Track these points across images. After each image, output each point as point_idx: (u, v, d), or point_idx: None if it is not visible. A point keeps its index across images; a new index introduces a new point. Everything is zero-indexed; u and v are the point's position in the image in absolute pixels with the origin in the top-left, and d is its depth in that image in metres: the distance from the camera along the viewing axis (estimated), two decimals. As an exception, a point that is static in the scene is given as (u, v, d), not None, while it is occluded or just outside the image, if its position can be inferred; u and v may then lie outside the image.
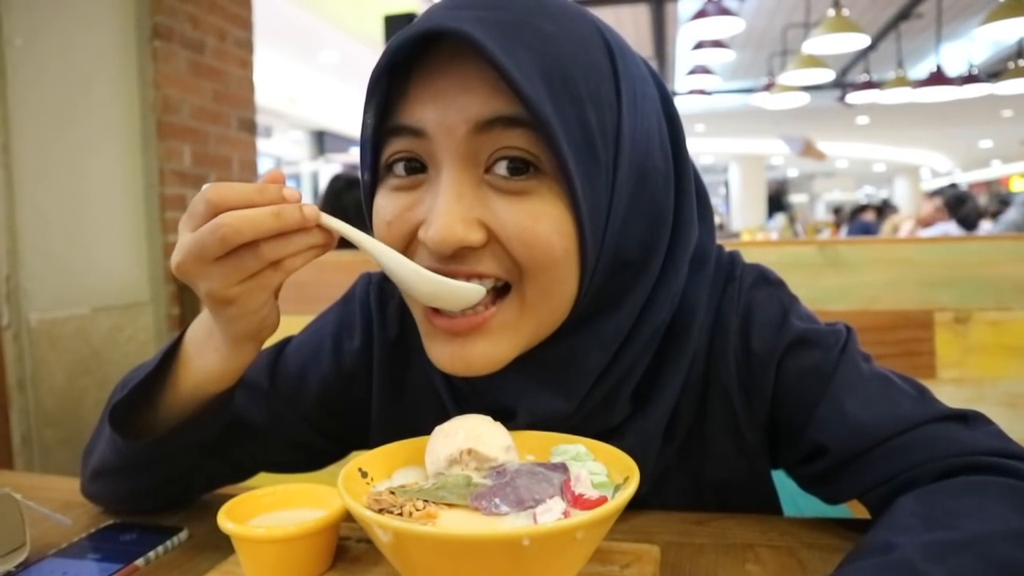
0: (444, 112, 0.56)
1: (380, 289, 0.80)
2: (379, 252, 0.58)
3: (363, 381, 0.79)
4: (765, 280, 0.72)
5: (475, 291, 0.58)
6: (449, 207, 0.56)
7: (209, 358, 0.64)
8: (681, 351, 0.67)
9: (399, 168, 0.60)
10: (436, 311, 0.60)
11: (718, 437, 0.71)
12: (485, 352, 0.60)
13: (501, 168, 0.56)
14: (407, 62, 0.58)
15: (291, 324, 0.95)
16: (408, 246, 0.60)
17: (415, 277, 0.57)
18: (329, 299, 0.85)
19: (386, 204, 0.61)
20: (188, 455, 0.70)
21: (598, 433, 0.62)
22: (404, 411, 0.77)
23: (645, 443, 0.67)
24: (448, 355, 0.61)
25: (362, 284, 0.82)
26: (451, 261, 0.58)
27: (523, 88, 0.53)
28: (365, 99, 0.60)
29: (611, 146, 0.58)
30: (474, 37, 0.53)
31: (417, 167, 0.60)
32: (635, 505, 0.60)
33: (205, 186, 0.55)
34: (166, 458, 0.69)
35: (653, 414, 0.67)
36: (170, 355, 0.67)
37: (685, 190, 0.66)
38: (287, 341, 0.83)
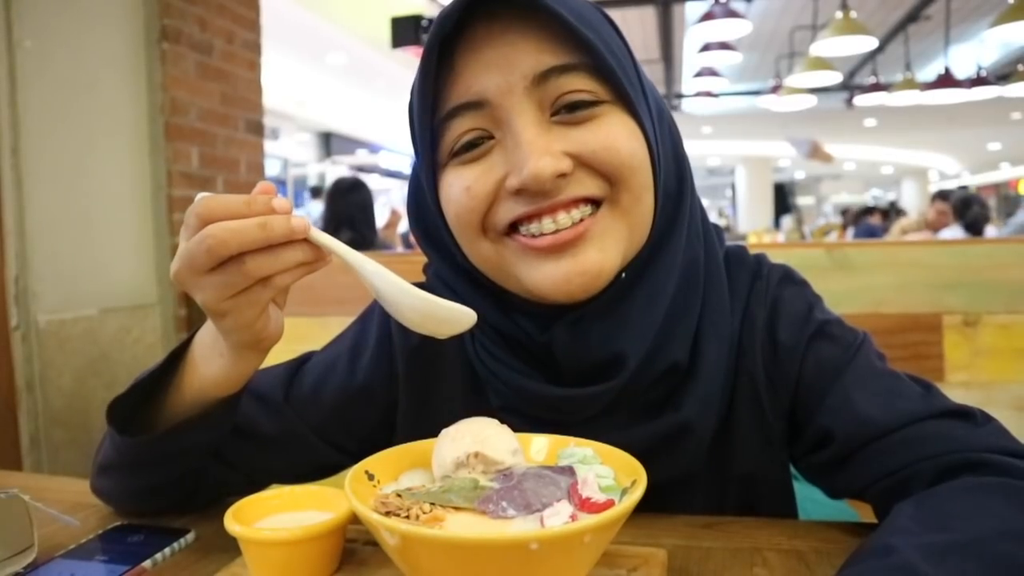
0: (500, 75, 0.60)
1: None
2: (368, 271, 0.57)
3: (379, 396, 0.79)
4: (790, 279, 0.76)
5: (466, 314, 0.58)
6: (534, 144, 0.60)
7: (214, 363, 0.64)
8: (716, 307, 0.70)
9: (465, 146, 0.63)
10: (533, 236, 0.63)
11: (745, 429, 0.72)
12: (596, 259, 0.63)
13: (566, 109, 0.61)
14: (446, 44, 0.62)
15: (301, 326, 0.95)
16: (491, 206, 0.63)
17: (404, 297, 0.57)
18: (337, 300, 0.85)
19: (460, 176, 0.64)
20: (188, 457, 0.70)
21: (654, 402, 0.69)
22: (435, 414, 0.76)
23: (700, 409, 0.68)
24: (561, 272, 0.62)
25: None
26: (545, 197, 0.61)
27: (576, 26, 0.59)
28: (418, 86, 0.63)
29: (636, 81, 0.64)
30: None
31: (485, 139, 0.63)
32: (663, 499, 0.64)
33: (198, 196, 0.55)
34: (165, 458, 0.69)
35: (701, 377, 0.69)
36: (178, 357, 0.68)
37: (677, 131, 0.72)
38: (308, 356, 0.83)
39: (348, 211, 3.52)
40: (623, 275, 0.66)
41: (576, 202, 0.62)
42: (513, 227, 0.64)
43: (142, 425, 0.69)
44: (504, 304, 0.70)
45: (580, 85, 0.61)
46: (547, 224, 0.62)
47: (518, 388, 0.69)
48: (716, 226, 0.76)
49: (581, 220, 0.62)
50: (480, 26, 0.61)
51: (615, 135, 0.61)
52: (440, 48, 0.62)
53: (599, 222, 0.63)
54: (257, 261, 0.54)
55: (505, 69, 0.60)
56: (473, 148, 0.63)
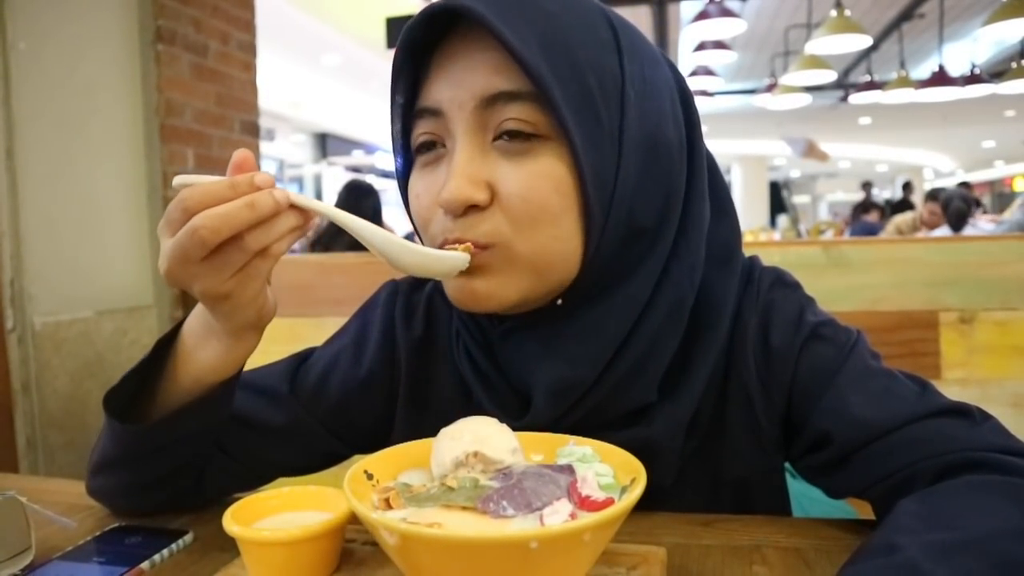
0: (455, 91, 0.62)
1: (407, 299, 0.82)
2: (360, 226, 0.60)
3: (382, 387, 0.79)
4: (782, 282, 0.75)
5: (461, 258, 0.61)
6: (460, 169, 0.61)
7: (211, 349, 0.65)
8: (709, 343, 0.69)
9: (424, 148, 0.66)
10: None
11: (737, 434, 0.72)
12: (486, 288, 0.64)
13: (506, 136, 0.61)
14: (427, 47, 0.64)
15: (297, 326, 0.95)
16: (433, 216, 0.65)
17: (401, 250, 0.60)
18: (332, 301, 0.85)
19: (417, 182, 0.67)
20: (189, 446, 0.70)
21: (626, 414, 0.66)
22: (430, 410, 0.78)
23: (673, 431, 0.68)
24: (458, 288, 0.65)
25: (387, 292, 0.83)
26: (462, 221, 0.62)
27: (522, 54, 0.57)
28: (391, 86, 0.66)
29: (615, 112, 0.62)
30: (477, 11, 0.58)
31: (439, 145, 0.65)
32: (653, 502, 0.63)
33: (177, 180, 0.56)
34: (166, 447, 0.69)
35: (681, 402, 0.68)
36: (165, 347, 0.68)
37: (698, 166, 0.69)
38: (310, 352, 0.83)
39: (362, 213, 3.55)
40: (558, 301, 0.66)
41: (475, 242, 0.62)
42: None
43: (139, 417, 0.69)
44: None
45: (523, 115, 0.60)
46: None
47: (478, 404, 0.71)
48: (751, 259, 0.76)
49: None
50: (459, 33, 0.63)
51: (536, 181, 0.60)
52: (422, 46, 0.64)
53: (485, 259, 0.62)
54: (255, 235, 0.55)
55: (462, 85, 0.62)
56: (429, 151, 0.66)
